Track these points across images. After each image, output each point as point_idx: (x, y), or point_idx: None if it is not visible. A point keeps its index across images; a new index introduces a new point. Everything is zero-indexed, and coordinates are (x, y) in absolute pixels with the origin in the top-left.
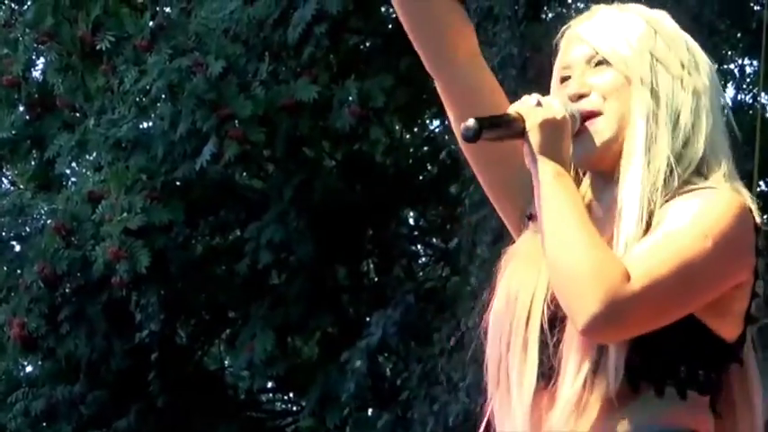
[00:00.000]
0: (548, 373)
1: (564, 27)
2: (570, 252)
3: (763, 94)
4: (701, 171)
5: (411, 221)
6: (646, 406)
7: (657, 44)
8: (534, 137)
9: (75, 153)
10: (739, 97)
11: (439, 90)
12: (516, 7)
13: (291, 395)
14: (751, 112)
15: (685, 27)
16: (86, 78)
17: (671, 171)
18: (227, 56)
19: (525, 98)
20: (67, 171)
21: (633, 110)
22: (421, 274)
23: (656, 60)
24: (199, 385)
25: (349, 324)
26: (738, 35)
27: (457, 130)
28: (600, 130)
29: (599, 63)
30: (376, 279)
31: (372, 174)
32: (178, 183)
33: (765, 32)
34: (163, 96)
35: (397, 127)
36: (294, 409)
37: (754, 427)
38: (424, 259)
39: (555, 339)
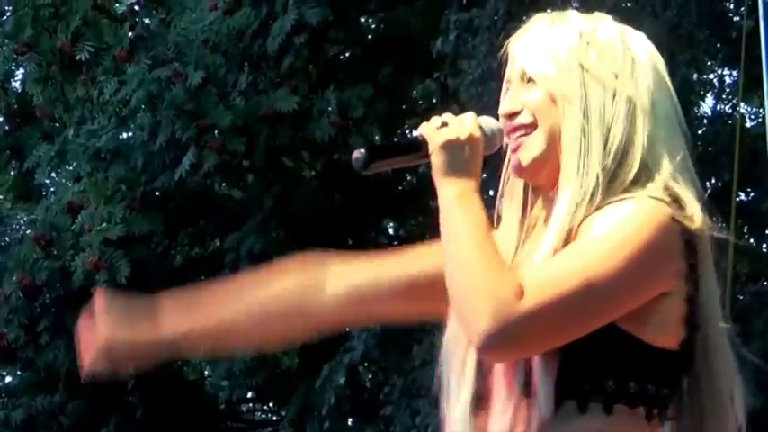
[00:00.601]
0: (484, 396)
1: (506, 42)
2: (464, 271)
3: (742, 104)
4: (638, 181)
5: (391, 231)
6: (568, 422)
7: (588, 56)
8: (436, 159)
9: (54, 163)
10: (719, 107)
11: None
12: (495, 17)
13: (271, 405)
14: (730, 122)
15: (662, 37)
16: (66, 89)
17: (599, 186)
18: (207, 66)
19: (431, 121)
20: (47, 181)
21: (563, 127)
22: None
23: (587, 73)
24: (178, 395)
25: (329, 334)
26: (718, 45)
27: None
28: (529, 146)
29: (529, 80)
30: None
31: (352, 184)
32: (158, 193)
33: (745, 42)
34: (142, 107)
35: (376, 137)
36: (274, 419)
37: (725, 428)
38: None
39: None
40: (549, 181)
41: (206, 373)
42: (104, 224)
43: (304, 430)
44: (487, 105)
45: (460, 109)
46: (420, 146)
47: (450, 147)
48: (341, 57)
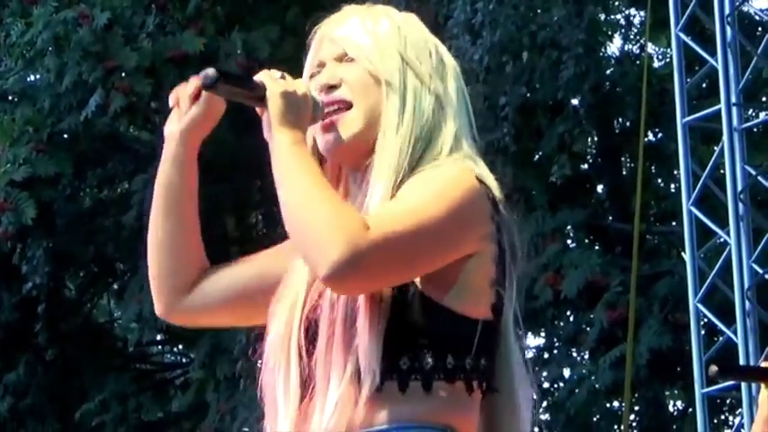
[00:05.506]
0: (308, 384)
1: (315, 28)
2: (309, 207)
3: (650, 44)
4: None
5: None
6: (390, 404)
7: (407, 49)
8: (273, 105)
9: None
10: (626, 47)
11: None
12: None
13: (180, 347)
14: (638, 62)
15: None
16: None
17: (410, 164)
18: (113, 8)
19: (270, 71)
20: None
21: (384, 108)
22: None
23: (406, 65)
24: (88, 338)
25: None
26: None
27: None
28: (348, 123)
29: (349, 60)
30: (264, 231)
31: (260, 124)
32: (65, 135)
33: None
34: (49, 49)
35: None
36: (183, 361)
37: (530, 395)
38: None
39: (312, 350)
40: (357, 161)
41: (115, 315)
42: (8, 165)
43: (214, 371)
44: None
45: None
46: (258, 88)
47: (288, 97)
48: None
